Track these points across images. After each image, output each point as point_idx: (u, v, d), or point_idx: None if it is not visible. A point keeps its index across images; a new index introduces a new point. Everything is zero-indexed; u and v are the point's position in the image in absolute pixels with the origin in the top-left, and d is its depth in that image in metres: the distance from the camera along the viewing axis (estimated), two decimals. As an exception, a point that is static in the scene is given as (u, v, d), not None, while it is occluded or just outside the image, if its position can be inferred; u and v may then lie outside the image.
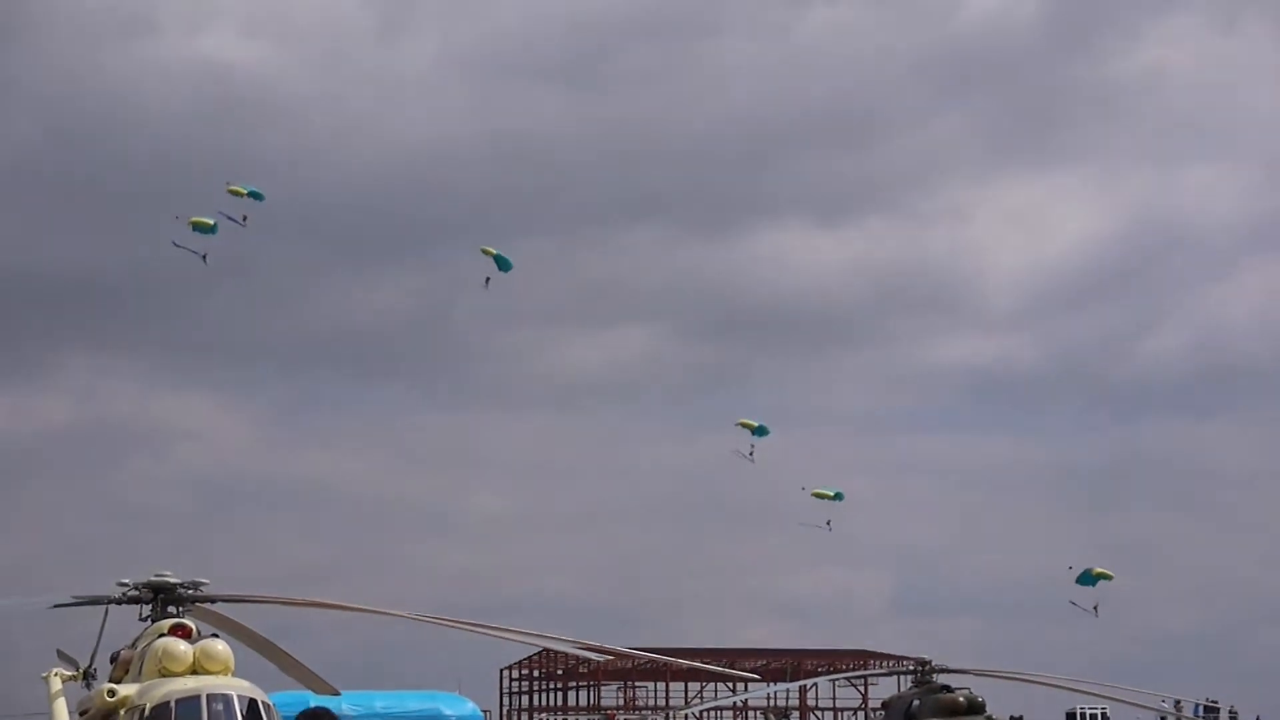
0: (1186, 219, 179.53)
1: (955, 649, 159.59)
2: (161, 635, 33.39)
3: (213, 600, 35.91)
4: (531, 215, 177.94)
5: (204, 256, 62.06)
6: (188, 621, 34.23)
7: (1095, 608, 75.62)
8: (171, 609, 35.19)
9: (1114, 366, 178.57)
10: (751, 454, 69.56)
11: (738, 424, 69.59)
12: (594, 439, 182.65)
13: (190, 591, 35.53)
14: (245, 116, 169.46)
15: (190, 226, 60.27)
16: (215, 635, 34.38)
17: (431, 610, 41.92)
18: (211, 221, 60.39)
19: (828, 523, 69.34)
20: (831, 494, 69.32)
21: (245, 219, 60.95)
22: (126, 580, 35.83)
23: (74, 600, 36.03)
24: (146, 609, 35.62)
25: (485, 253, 62.92)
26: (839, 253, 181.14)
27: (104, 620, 36.31)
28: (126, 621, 36.19)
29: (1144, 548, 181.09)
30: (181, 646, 32.73)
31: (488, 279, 64.13)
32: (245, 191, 60.99)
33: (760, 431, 69.45)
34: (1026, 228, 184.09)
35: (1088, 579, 69.48)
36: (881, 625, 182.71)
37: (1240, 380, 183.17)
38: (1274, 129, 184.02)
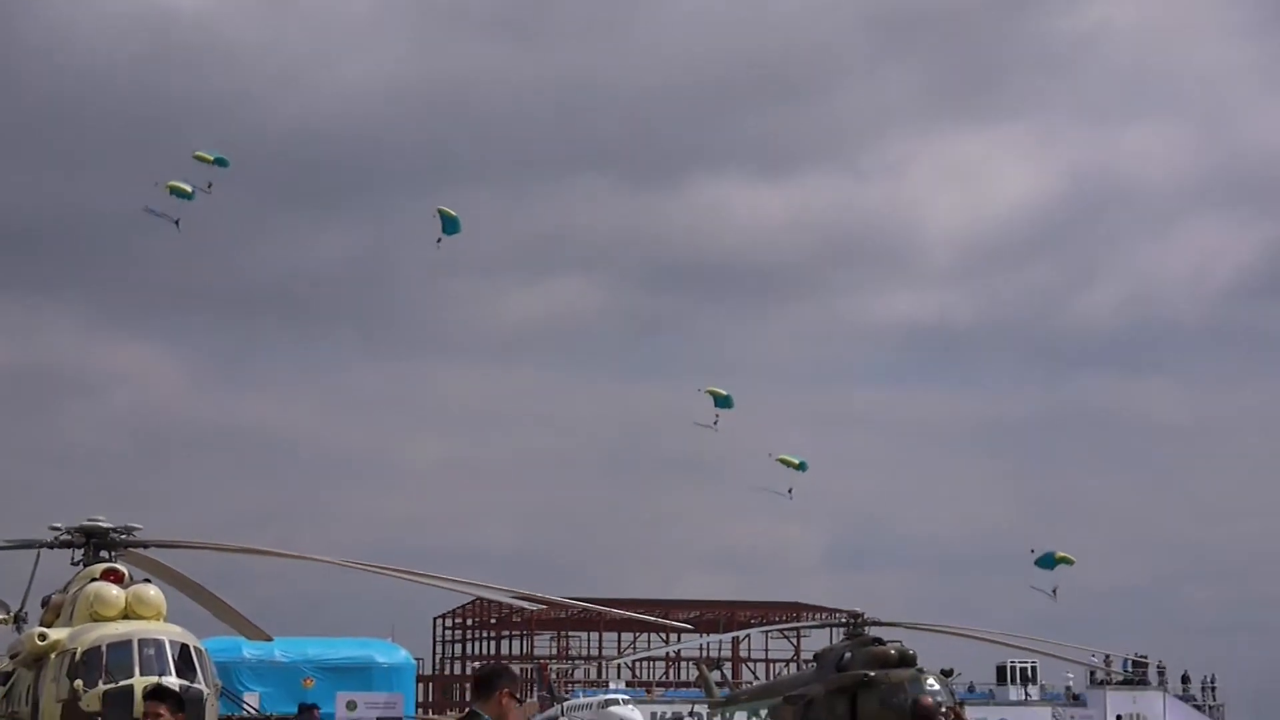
0: (1124, 176, 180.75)
1: (888, 602, 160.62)
2: (93, 580, 33.23)
3: (145, 545, 35.75)
4: (473, 165, 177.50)
5: (177, 222, 61.73)
6: (120, 566, 34.08)
7: (1054, 590, 76.13)
8: (104, 554, 35.02)
9: (1049, 322, 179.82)
10: (716, 424, 69.28)
11: (704, 391, 69.22)
12: (534, 389, 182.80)
13: (123, 536, 35.36)
14: (185, 61, 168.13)
15: (167, 190, 59.98)
16: (147, 580, 34.24)
17: (367, 558, 41.94)
18: (189, 188, 60.08)
19: (789, 491, 69.21)
20: (797, 462, 69.21)
21: (210, 186, 60.68)
22: (58, 524, 35.64)
23: (4, 543, 35.84)
24: (78, 553, 35.43)
25: (441, 213, 62.71)
26: (780, 205, 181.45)
27: (35, 564, 36.12)
28: (58, 566, 36.03)
29: (1076, 502, 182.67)
30: (113, 591, 32.58)
31: (439, 239, 63.87)
32: (212, 158, 60.73)
33: (725, 402, 69.17)
34: (966, 183, 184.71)
35: (1048, 562, 69.95)
36: (815, 578, 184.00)
37: (1174, 337, 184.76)
38: (1214, 88, 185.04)
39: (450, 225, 61.19)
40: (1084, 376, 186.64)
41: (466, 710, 10.09)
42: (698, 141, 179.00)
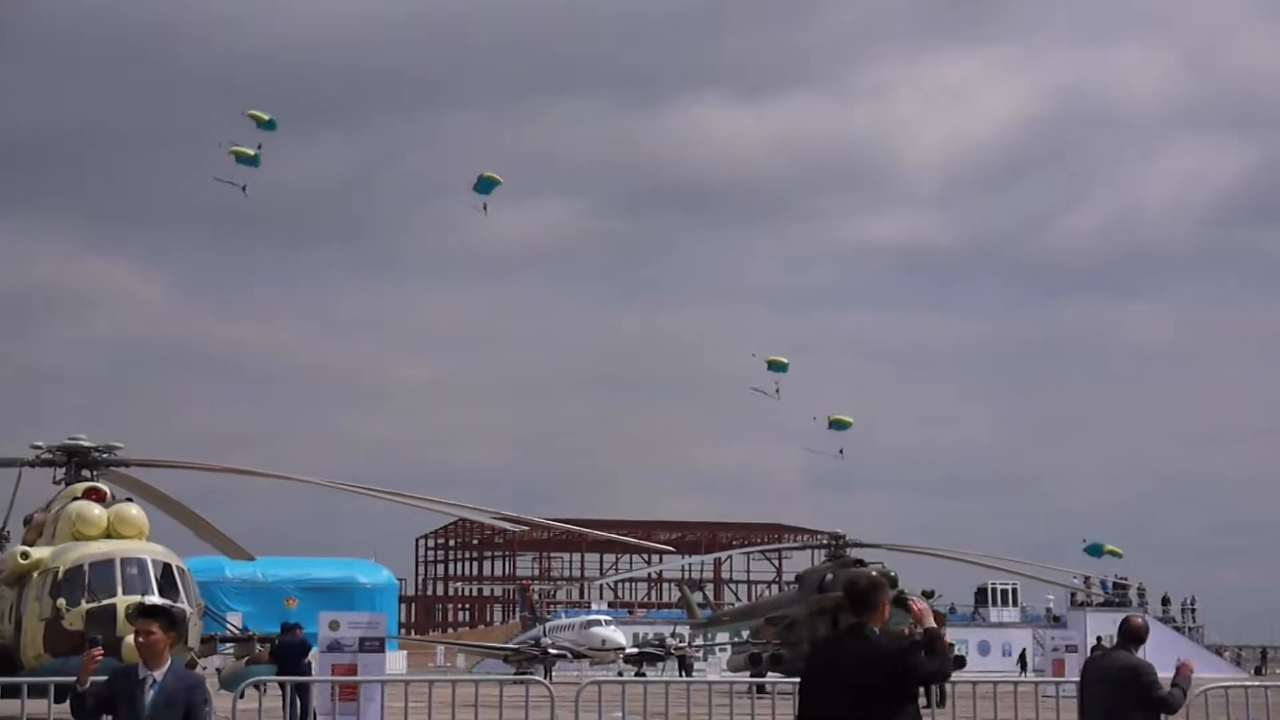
0: (1111, 100, 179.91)
1: (869, 525, 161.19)
2: (75, 499, 33.20)
3: (126, 464, 35.71)
4: (459, 87, 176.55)
5: (244, 188, 61.67)
6: (102, 485, 34.05)
7: (1087, 580, 76.79)
8: (85, 473, 34.97)
9: (1034, 245, 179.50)
10: (778, 392, 69.77)
11: (766, 360, 69.62)
12: (518, 311, 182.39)
13: (104, 455, 35.31)
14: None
15: (233, 157, 59.95)
16: (130, 499, 34.22)
17: (350, 479, 41.94)
18: (253, 153, 59.95)
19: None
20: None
21: (260, 147, 60.79)
22: (40, 443, 35.58)
23: (-14, 462, 35.76)
24: (60, 472, 35.40)
25: (485, 179, 62.63)
26: (764, 128, 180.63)
27: (17, 482, 36.10)
28: (40, 484, 35.99)
29: (1059, 425, 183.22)
30: (95, 510, 32.55)
31: (484, 205, 63.75)
32: (267, 118, 60.70)
33: (783, 368, 69.59)
34: (951, 106, 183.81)
35: (1095, 551, 70.24)
36: (797, 500, 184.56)
37: (1159, 261, 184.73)
38: (1204, 11, 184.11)
39: (484, 186, 61.05)
40: (1068, 300, 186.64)
41: (855, 622, 10.20)
42: (682, 63, 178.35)
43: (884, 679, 10.09)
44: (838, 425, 70.20)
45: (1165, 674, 13.80)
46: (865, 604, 10.36)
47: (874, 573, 57.94)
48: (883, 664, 10.09)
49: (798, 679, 12.21)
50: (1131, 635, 14.01)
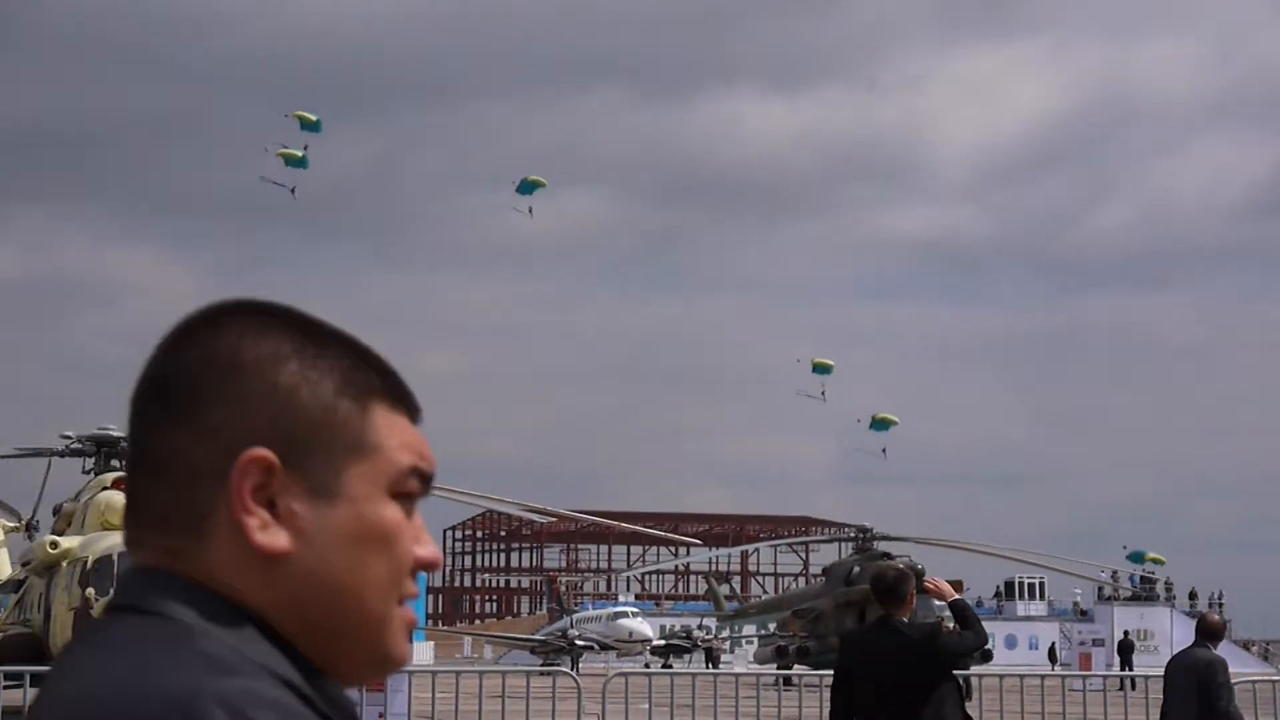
0: (1140, 93, 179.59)
1: (897, 518, 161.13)
2: (104, 488, 33.29)
3: (156, 455, 35.79)
4: (485, 77, 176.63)
5: (292, 190, 61.91)
6: (131, 475, 34.16)
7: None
8: (115, 462, 35.06)
9: (1062, 239, 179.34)
10: (824, 395, 69.86)
11: (812, 362, 69.68)
12: (545, 303, 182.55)
13: (133, 445, 35.39)
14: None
15: (282, 160, 60.26)
16: (159, 489, 34.33)
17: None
18: (301, 154, 60.27)
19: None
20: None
21: (306, 148, 61.03)
22: (69, 433, 35.69)
23: (16, 452, 35.92)
24: (89, 462, 35.50)
25: (530, 180, 62.94)
26: (793, 120, 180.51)
27: (47, 472, 36.22)
28: (70, 474, 36.12)
29: (1086, 419, 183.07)
30: (124, 499, 32.66)
31: (530, 209, 64.05)
32: (314, 119, 61.01)
33: (828, 370, 69.65)
34: (981, 100, 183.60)
35: (1138, 559, 70.32)
36: (825, 493, 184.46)
37: (1186, 255, 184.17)
38: (1233, 3, 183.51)
39: (526, 188, 61.33)
40: (1095, 293, 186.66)
41: (883, 615, 10.31)
42: (711, 54, 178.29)
43: (917, 663, 10.16)
44: (881, 425, 70.02)
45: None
46: (893, 596, 10.42)
47: (901, 565, 57.98)
48: (914, 650, 10.15)
49: (825, 672, 12.25)
50: (1208, 632, 14.20)
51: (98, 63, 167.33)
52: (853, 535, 63.84)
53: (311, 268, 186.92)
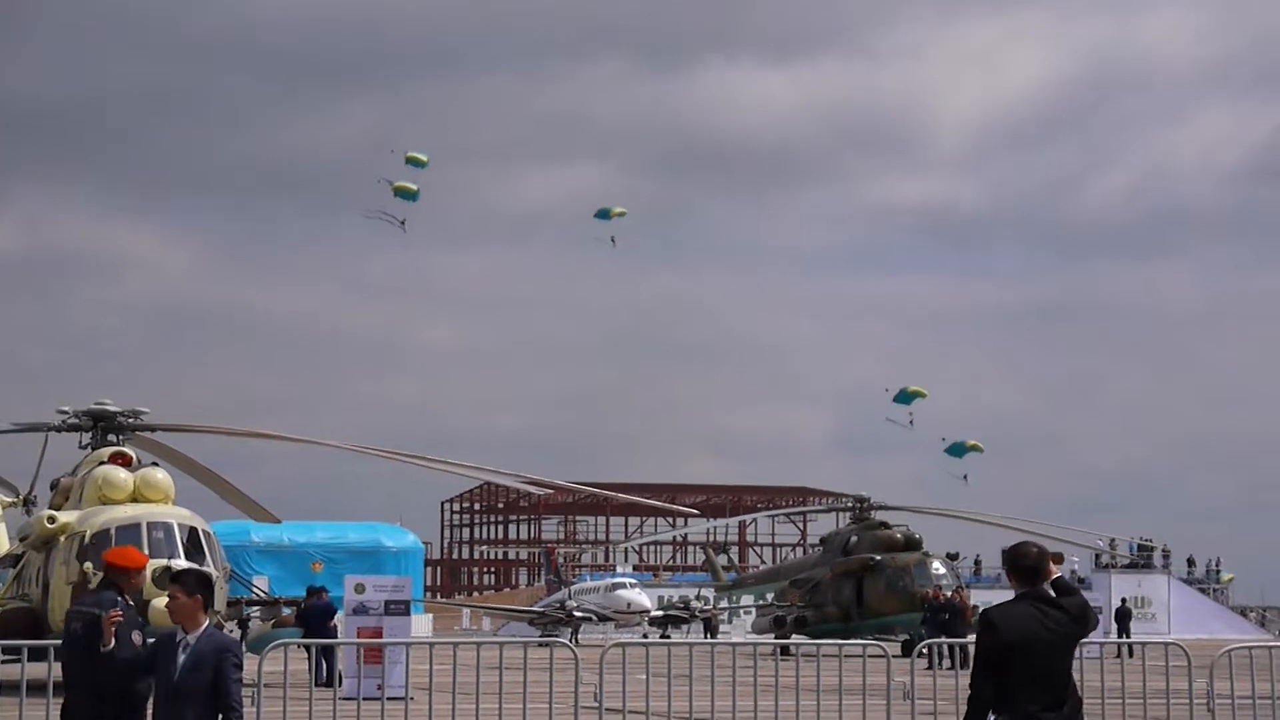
0: (1140, 60, 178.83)
1: (894, 487, 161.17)
2: (102, 463, 33.34)
3: (153, 429, 35.83)
4: (487, 48, 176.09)
5: (403, 223, 62.42)
6: (128, 450, 34.18)
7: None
8: (112, 437, 35.10)
9: (1063, 208, 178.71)
10: (910, 422, 70.18)
11: (907, 390, 69.89)
12: (545, 274, 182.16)
13: (130, 420, 35.41)
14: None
15: (393, 192, 60.69)
16: (155, 464, 34.36)
17: (376, 443, 42.03)
18: (415, 188, 60.67)
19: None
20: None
21: (418, 191, 61.68)
22: (66, 408, 35.70)
23: (13, 427, 35.90)
24: (87, 437, 35.54)
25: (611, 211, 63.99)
26: (794, 90, 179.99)
27: (44, 447, 36.25)
28: (67, 449, 36.14)
29: (1085, 387, 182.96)
30: (122, 474, 32.68)
31: (612, 239, 65.46)
32: (424, 159, 61.51)
33: (909, 399, 69.71)
34: (981, 68, 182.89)
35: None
36: (822, 463, 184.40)
37: (1186, 223, 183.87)
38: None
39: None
40: (1096, 262, 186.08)
41: (1033, 589, 10.24)
42: (711, 25, 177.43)
43: (1076, 636, 10.24)
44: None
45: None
46: (1038, 573, 10.37)
47: (898, 534, 58.18)
48: (1074, 624, 10.22)
49: (823, 642, 12.15)
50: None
51: (98, 35, 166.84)
52: (850, 505, 63.90)
53: (312, 242, 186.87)
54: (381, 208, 62.42)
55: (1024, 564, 10.42)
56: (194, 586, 11.18)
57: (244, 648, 22.72)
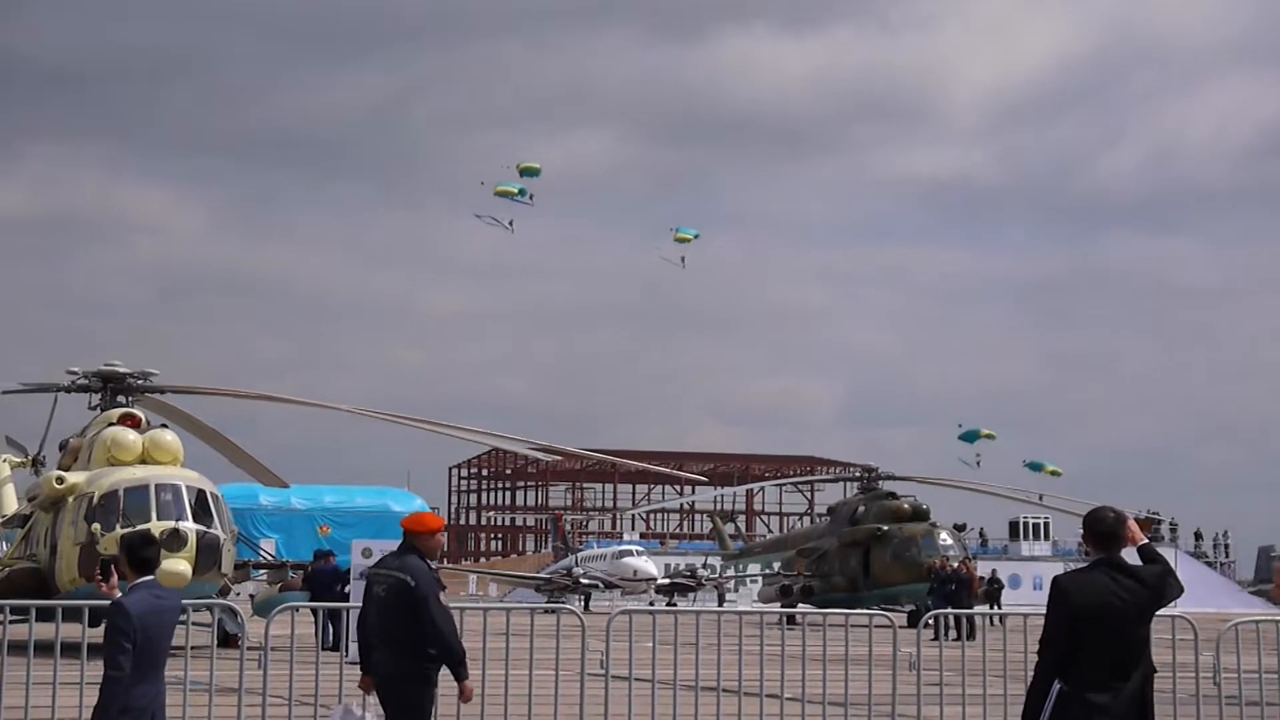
0: (1155, 34, 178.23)
1: (902, 458, 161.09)
2: (110, 424, 33.38)
3: (162, 391, 35.86)
4: (496, 15, 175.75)
5: (510, 223, 62.85)
6: (137, 411, 34.21)
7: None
8: (121, 399, 35.14)
9: (1075, 181, 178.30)
10: (978, 463, 70.85)
11: (980, 433, 70.46)
12: (553, 242, 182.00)
13: (140, 381, 35.45)
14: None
15: (495, 194, 61.15)
16: (164, 426, 34.38)
17: (384, 407, 42.06)
18: (516, 190, 60.99)
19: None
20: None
21: (532, 197, 62.10)
22: (76, 369, 35.75)
23: (22, 387, 35.97)
24: (96, 398, 35.58)
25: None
26: (806, 60, 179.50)
27: (53, 408, 36.33)
28: (76, 410, 36.19)
29: (1095, 361, 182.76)
30: (130, 436, 32.71)
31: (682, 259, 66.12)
32: (537, 166, 62.03)
33: (973, 438, 70.35)
34: (995, 41, 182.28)
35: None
36: (832, 434, 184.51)
37: (1199, 197, 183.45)
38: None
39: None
40: (1108, 236, 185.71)
41: (1100, 559, 10.12)
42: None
43: (1153, 605, 10.08)
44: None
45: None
46: (1115, 539, 10.20)
47: (906, 505, 58.19)
48: (1151, 592, 10.00)
49: (829, 611, 12.10)
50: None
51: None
52: (858, 475, 63.95)
53: (320, 206, 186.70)
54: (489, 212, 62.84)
55: (1099, 529, 10.24)
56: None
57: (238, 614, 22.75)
